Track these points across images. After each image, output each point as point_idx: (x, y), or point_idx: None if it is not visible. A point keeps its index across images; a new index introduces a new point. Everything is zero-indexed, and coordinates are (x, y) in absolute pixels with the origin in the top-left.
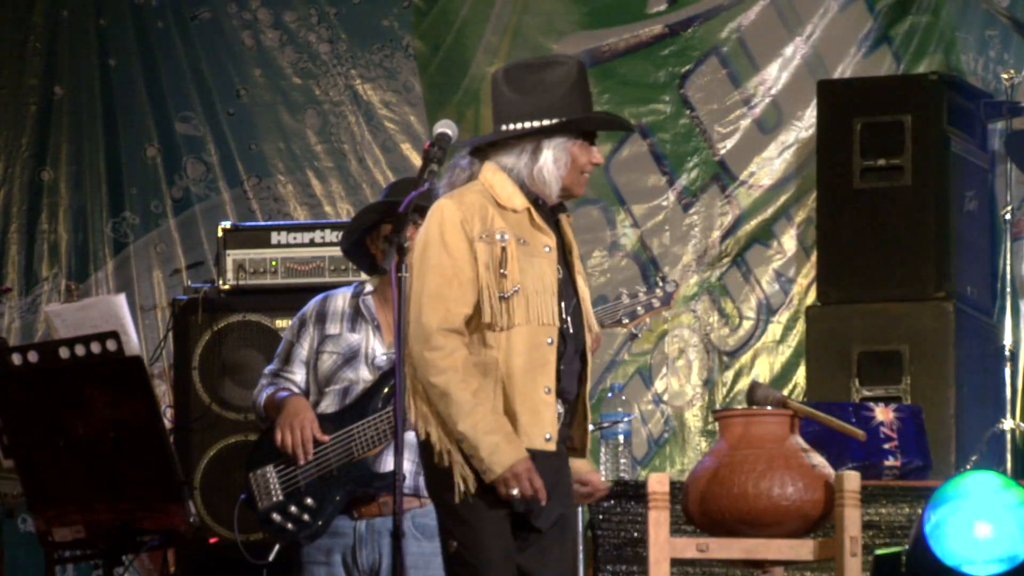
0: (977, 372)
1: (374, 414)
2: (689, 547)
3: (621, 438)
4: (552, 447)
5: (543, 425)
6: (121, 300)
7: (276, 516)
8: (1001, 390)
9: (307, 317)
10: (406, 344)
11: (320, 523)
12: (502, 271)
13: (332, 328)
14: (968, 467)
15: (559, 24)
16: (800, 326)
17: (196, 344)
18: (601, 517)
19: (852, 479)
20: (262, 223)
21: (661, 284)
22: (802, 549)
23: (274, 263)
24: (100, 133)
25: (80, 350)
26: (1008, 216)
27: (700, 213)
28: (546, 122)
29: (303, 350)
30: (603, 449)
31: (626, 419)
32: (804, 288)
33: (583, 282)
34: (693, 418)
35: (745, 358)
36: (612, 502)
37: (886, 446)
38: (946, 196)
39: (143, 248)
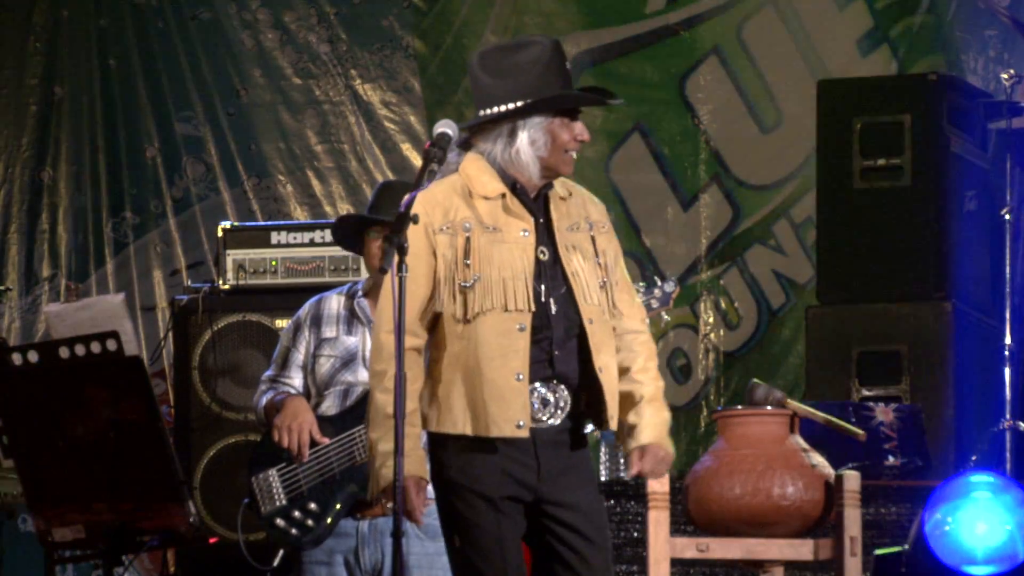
0: (977, 372)
1: None
2: (689, 547)
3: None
4: (525, 434)
5: (512, 412)
6: (121, 300)
7: (280, 521)
8: (1001, 390)
9: (302, 321)
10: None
11: (323, 528)
12: (466, 261)
13: (328, 331)
14: (968, 467)
15: (559, 24)
16: (800, 326)
17: (196, 344)
18: None
19: (852, 479)
20: (262, 223)
21: (660, 284)
22: (802, 549)
23: (274, 263)
24: (100, 133)
25: (80, 350)
26: (1008, 216)
27: (700, 213)
28: (520, 103)
29: (300, 355)
30: (603, 449)
31: None
32: (804, 288)
33: (581, 258)
34: (693, 418)
35: (744, 358)
36: (612, 502)
37: (886, 446)
38: (946, 196)
39: (143, 248)
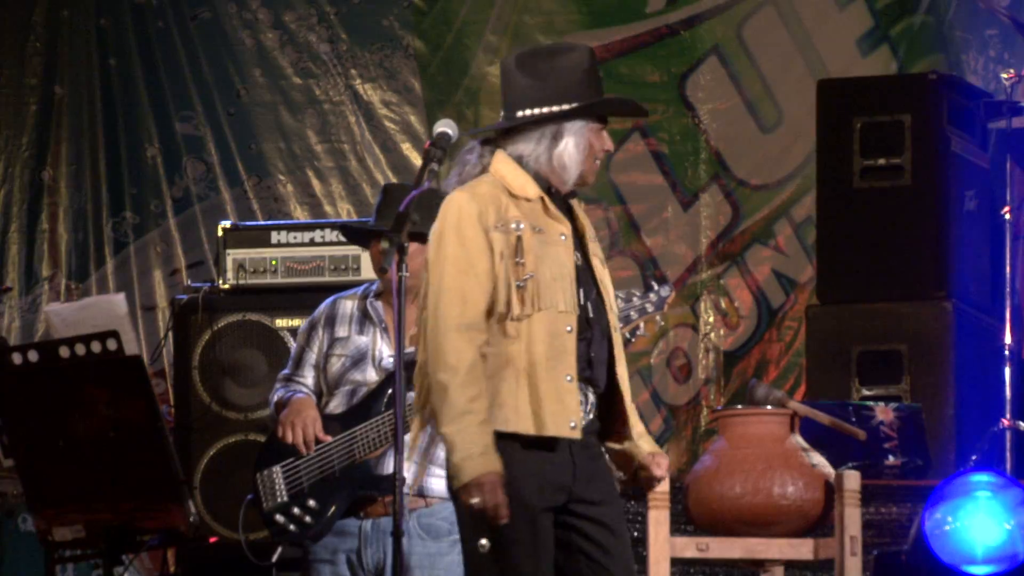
0: (977, 371)
1: (377, 416)
2: (689, 547)
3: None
4: (577, 434)
5: (568, 412)
6: (121, 300)
7: (279, 517)
8: (1001, 389)
9: (317, 321)
10: (423, 337)
11: (322, 525)
12: (518, 260)
13: (341, 331)
14: (968, 466)
15: (559, 24)
16: (800, 326)
17: (196, 344)
18: None
19: (852, 478)
20: (262, 223)
21: (656, 289)
22: (802, 548)
23: (274, 263)
24: (100, 133)
25: (80, 349)
26: (1008, 215)
27: (700, 213)
28: (565, 106)
29: (313, 354)
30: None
31: None
32: (804, 287)
33: (602, 266)
34: (693, 417)
35: (745, 358)
36: None
37: (886, 445)
38: (946, 196)
39: (143, 248)
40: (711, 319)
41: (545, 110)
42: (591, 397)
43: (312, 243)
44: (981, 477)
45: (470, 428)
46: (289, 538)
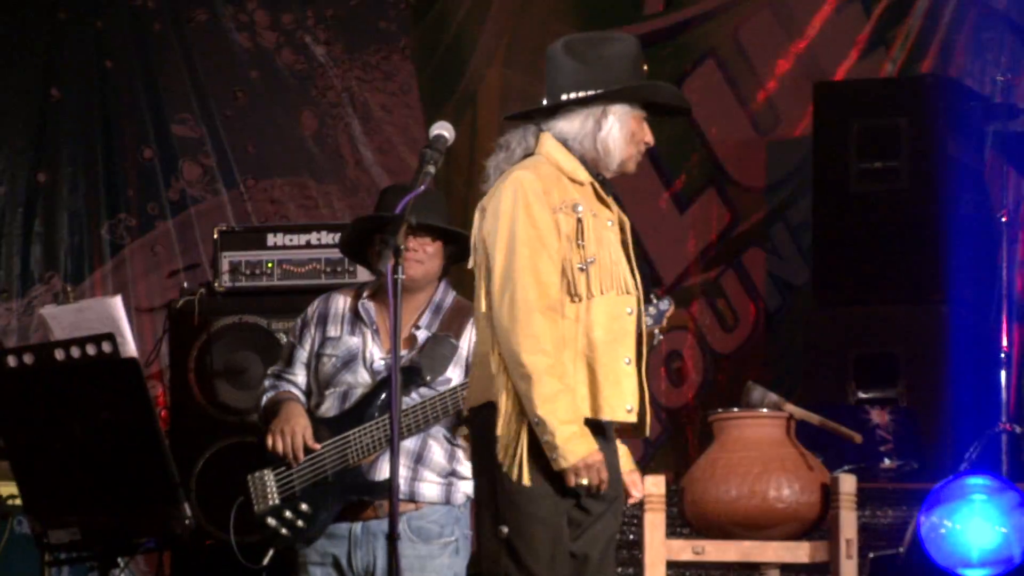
0: (972, 374)
1: (370, 421)
2: (685, 549)
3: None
4: (633, 418)
5: (625, 396)
6: (117, 302)
7: (271, 520)
8: (996, 392)
9: (309, 318)
10: (497, 317)
11: (314, 529)
12: (579, 242)
13: (333, 330)
14: (963, 470)
15: (556, 26)
16: (796, 328)
17: (192, 346)
18: None
19: (848, 481)
20: (258, 225)
21: (655, 302)
22: (798, 551)
23: (270, 265)
24: (97, 135)
25: (76, 352)
26: (1004, 218)
27: (696, 215)
28: (615, 88)
29: (304, 352)
30: None
31: None
32: (800, 290)
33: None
34: (689, 420)
35: (741, 360)
36: None
37: (882, 448)
38: (942, 198)
39: (139, 250)
40: (707, 322)
41: (591, 92)
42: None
43: (308, 245)
44: (977, 480)
45: (568, 409)
46: (281, 542)
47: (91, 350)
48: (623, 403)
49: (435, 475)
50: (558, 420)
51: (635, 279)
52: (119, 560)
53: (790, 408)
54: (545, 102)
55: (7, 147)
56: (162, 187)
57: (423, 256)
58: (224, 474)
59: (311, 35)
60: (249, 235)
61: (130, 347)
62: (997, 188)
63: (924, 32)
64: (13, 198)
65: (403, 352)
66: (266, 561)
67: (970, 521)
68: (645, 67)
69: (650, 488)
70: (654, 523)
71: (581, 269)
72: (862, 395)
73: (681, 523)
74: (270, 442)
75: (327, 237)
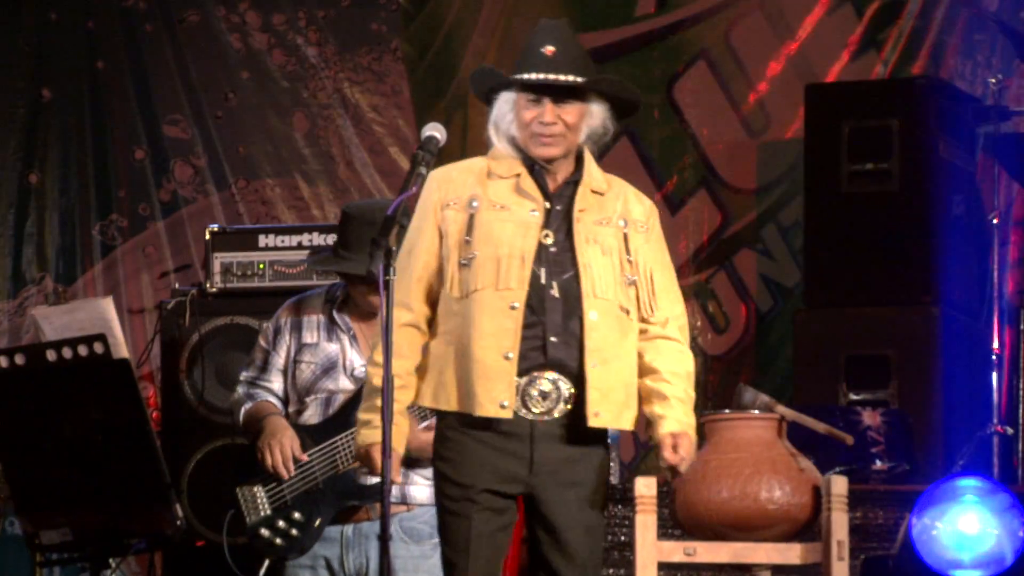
0: (964, 376)
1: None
2: (676, 551)
3: (609, 442)
4: (508, 415)
5: (497, 392)
6: (108, 303)
7: (264, 531)
8: (988, 394)
9: (282, 325)
10: None
11: (308, 537)
12: (467, 238)
13: (308, 337)
14: (955, 471)
15: None
16: (788, 330)
17: (183, 347)
18: None
19: (839, 483)
20: (250, 226)
21: None
22: (789, 553)
23: (261, 266)
24: (88, 136)
25: (67, 353)
26: (995, 220)
27: (688, 217)
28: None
29: (280, 359)
30: None
31: None
32: (791, 292)
33: (600, 251)
34: None
35: (732, 362)
36: None
37: (873, 450)
38: (933, 200)
39: (131, 251)
40: (698, 323)
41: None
42: (563, 387)
43: (300, 246)
44: (968, 482)
45: (368, 397)
46: (275, 551)
47: (83, 351)
48: (495, 399)
49: (425, 478)
50: (361, 410)
51: (536, 275)
52: (110, 561)
53: (781, 410)
54: None
55: None
56: (153, 188)
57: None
58: (215, 475)
59: (302, 36)
60: (240, 236)
61: (121, 348)
62: (988, 190)
63: (915, 34)
64: (4, 199)
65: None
66: (262, 573)
67: (961, 523)
68: (549, 49)
69: (641, 489)
70: (645, 524)
71: (462, 264)
72: (854, 397)
73: (672, 524)
74: (260, 457)
75: (319, 238)
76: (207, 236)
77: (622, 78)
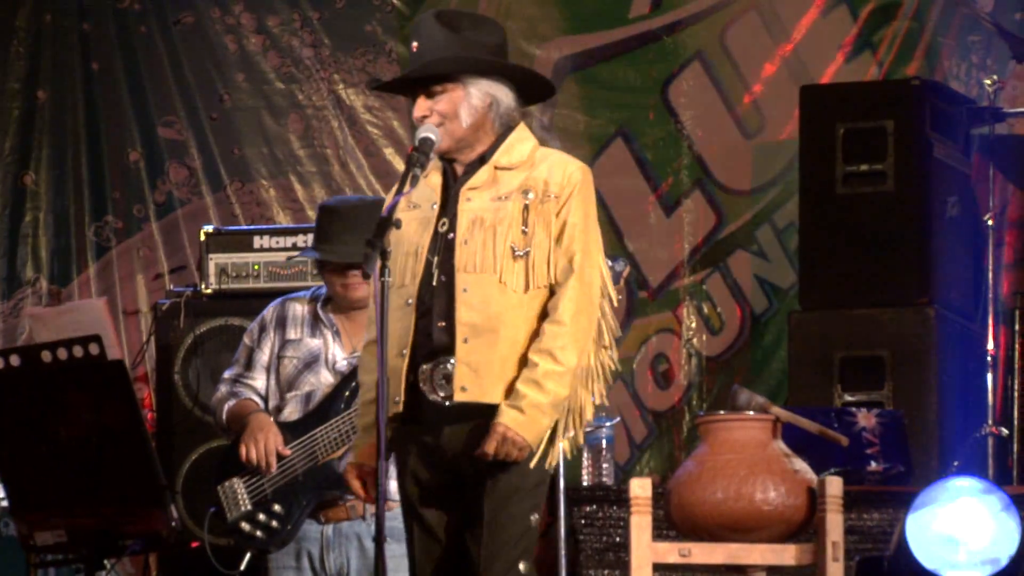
0: (959, 377)
1: (336, 417)
2: (671, 552)
3: (604, 443)
4: (399, 409)
5: (394, 389)
6: (103, 304)
7: (245, 525)
8: (983, 395)
9: (267, 322)
10: None
11: (289, 529)
12: (393, 242)
13: (292, 333)
14: (950, 472)
15: (542, 29)
16: (782, 331)
17: (178, 348)
18: (583, 521)
19: (834, 484)
20: (244, 227)
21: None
22: (784, 554)
23: (256, 267)
24: (83, 137)
25: (62, 354)
26: (990, 221)
27: (682, 218)
28: None
29: (264, 355)
30: (586, 454)
31: (608, 424)
32: (786, 293)
33: (483, 225)
34: (675, 423)
35: (727, 363)
36: (594, 506)
37: (868, 451)
38: (928, 201)
39: (125, 252)
40: (693, 324)
41: None
42: (446, 368)
43: (295, 248)
44: (963, 483)
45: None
46: (257, 544)
47: (78, 352)
48: (393, 396)
49: None
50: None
51: (429, 266)
52: (105, 562)
53: (776, 411)
54: None
55: None
56: (148, 189)
57: (362, 278)
58: (210, 476)
59: (297, 38)
60: (235, 237)
61: (116, 349)
62: (983, 191)
63: (910, 35)
64: None
65: (356, 354)
66: (243, 566)
67: (956, 524)
68: (413, 45)
69: (636, 491)
70: (640, 525)
71: (384, 267)
72: (848, 398)
73: (667, 526)
74: (243, 453)
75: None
76: (202, 237)
77: (617, 80)
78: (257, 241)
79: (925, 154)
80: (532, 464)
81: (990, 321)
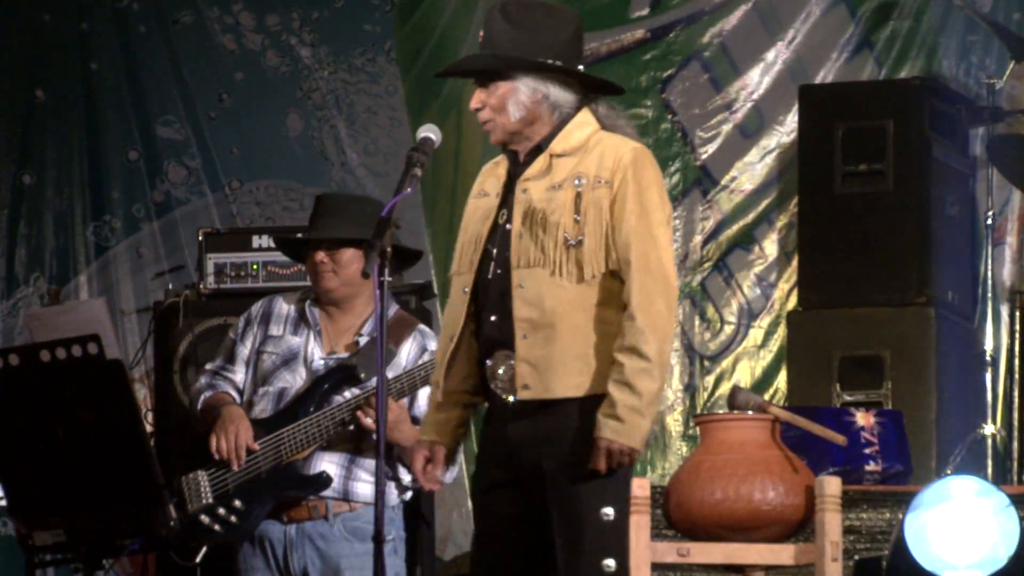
0: (958, 377)
1: (305, 418)
2: (670, 552)
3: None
4: (439, 397)
5: (437, 374)
6: (102, 303)
7: (204, 518)
8: (982, 395)
9: (253, 317)
10: None
11: (247, 525)
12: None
13: (275, 329)
14: (948, 472)
15: None
16: (781, 331)
17: (177, 348)
18: None
19: (833, 484)
20: (243, 227)
21: None
22: (783, 554)
23: (255, 267)
24: (82, 137)
25: (61, 353)
26: (989, 221)
27: (681, 218)
28: None
29: (246, 349)
30: None
31: None
32: (785, 293)
33: (539, 217)
34: (674, 423)
35: (726, 363)
36: None
37: (867, 451)
38: (927, 201)
39: (124, 252)
40: (692, 324)
41: None
42: (508, 364)
43: None
44: (962, 483)
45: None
46: (214, 538)
47: (77, 351)
48: (435, 380)
49: (370, 474)
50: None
51: (485, 256)
52: (104, 562)
53: (775, 410)
54: None
55: None
56: (147, 189)
57: (333, 266)
58: None
59: (296, 37)
60: (234, 237)
61: (115, 349)
62: (982, 190)
63: (909, 34)
64: None
65: (344, 355)
66: (199, 558)
67: (955, 524)
68: (480, 35)
69: (635, 490)
70: (639, 525)
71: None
72: (847, 397)
73: (666, 525)
74: (213, 444)
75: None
76: (200, 237)
77: (615, 79)
78: (256, 241)
79: (924, 154)
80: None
81: (988, 321)
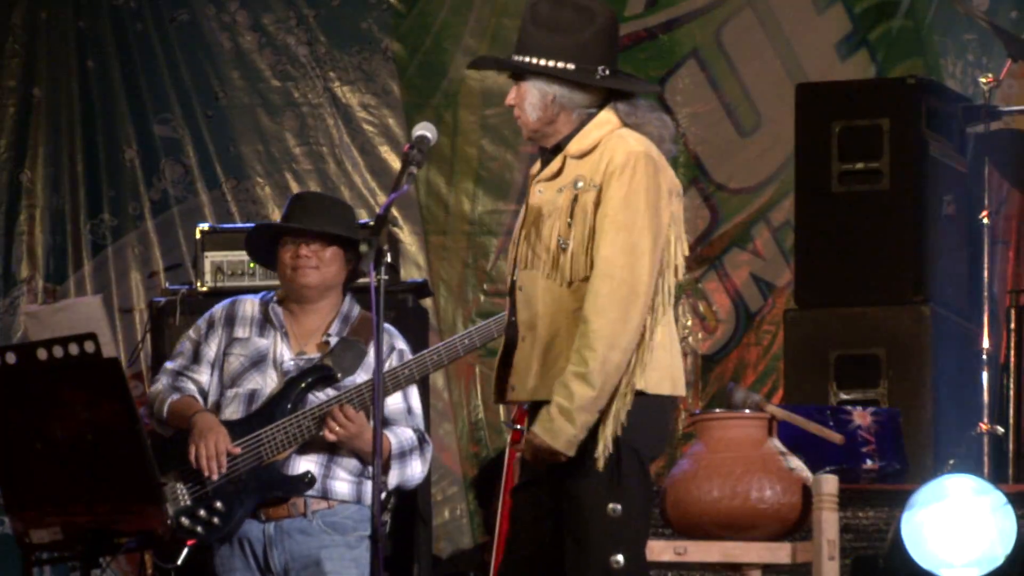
0: (955, 376)
1: (283, 418)
2: (667, 550)
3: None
4: (493, 400)
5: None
6: (99, 302)
7: (184, 520)
8: (978, 394)
9: (216, 319)
10: None
11: (229, 526)
12: None
13: (241, 331)
14: (945, 470)
15: None
16: (778, 329)
17: (174, 346)
18: None
19: (830, 482)
20: (240, 225)
21: None
22: (780, 552)
23: (252, 265)
24: (78, 135)
25: (58, 352)
26: (986, 220)
27: None
28: None
29: (211, 351)
30: None
31: None
32: (782, 291)
33: (541, 221)
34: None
35: (723, 361)
36: None
37: (864, 449)
38: (924, 200)
39: (121, 250)
40: (689, 323)
41: None
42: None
43: None
44: (958, 481)
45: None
46: (196, 539)
47: (73, 350)
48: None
49: (347, 473)
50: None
51: (518, 253)
52: (101, 560)
53: (772, 409)
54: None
55: None
56: (144, 187)
57: (317, 262)
58: None
59: (293, 36)
60: (231, 235)
61: (112, 347)
62: (979, 189)
63: (906, 33)
64: None
65: (315, 355)
66: (180, 560)
67: (952, 522)
68: (520, 31)
69: None
70: None
71: None
72: (844, 396)
73: (663, 524)
74: (192, 453)
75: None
76: (197, 235)
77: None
78: None
79: (921, 152)
80: (597, 459)
81: (985, 319)
